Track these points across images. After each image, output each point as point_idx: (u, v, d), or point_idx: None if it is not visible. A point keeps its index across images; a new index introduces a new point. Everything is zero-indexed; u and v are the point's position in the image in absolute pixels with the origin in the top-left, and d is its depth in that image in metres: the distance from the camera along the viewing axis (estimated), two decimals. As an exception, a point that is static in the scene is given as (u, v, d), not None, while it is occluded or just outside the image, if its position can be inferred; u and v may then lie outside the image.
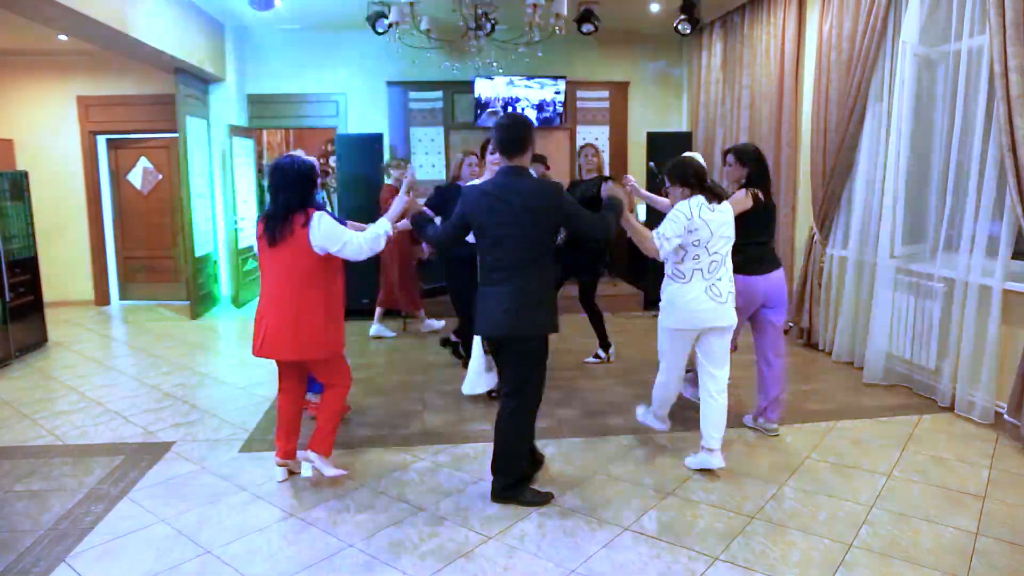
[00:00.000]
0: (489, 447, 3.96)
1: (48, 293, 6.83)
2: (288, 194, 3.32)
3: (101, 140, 8.49)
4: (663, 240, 3.46)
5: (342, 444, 4.04)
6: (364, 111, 8.65)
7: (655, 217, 4.57)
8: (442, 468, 3.74)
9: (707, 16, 7.68)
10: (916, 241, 5.02)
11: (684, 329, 3.60)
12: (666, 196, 4.00)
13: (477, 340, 4.56)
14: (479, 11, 5.28)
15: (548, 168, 8.16)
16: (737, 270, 3.71)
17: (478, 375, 4.62)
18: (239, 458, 3.89)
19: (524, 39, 5.56)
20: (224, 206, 8.26)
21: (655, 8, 7.44)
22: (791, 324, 6.29)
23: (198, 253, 7.70)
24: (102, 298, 8.56)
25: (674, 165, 3.63)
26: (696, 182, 3.56)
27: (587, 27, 7.29)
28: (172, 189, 8.46)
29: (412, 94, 8.64)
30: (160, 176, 8.59)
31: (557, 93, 8.53)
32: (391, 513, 3.25)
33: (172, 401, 4.89)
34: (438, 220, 3.93)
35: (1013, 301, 4.13)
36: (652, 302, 6.93)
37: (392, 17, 5.47)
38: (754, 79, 6.91)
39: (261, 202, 9.66)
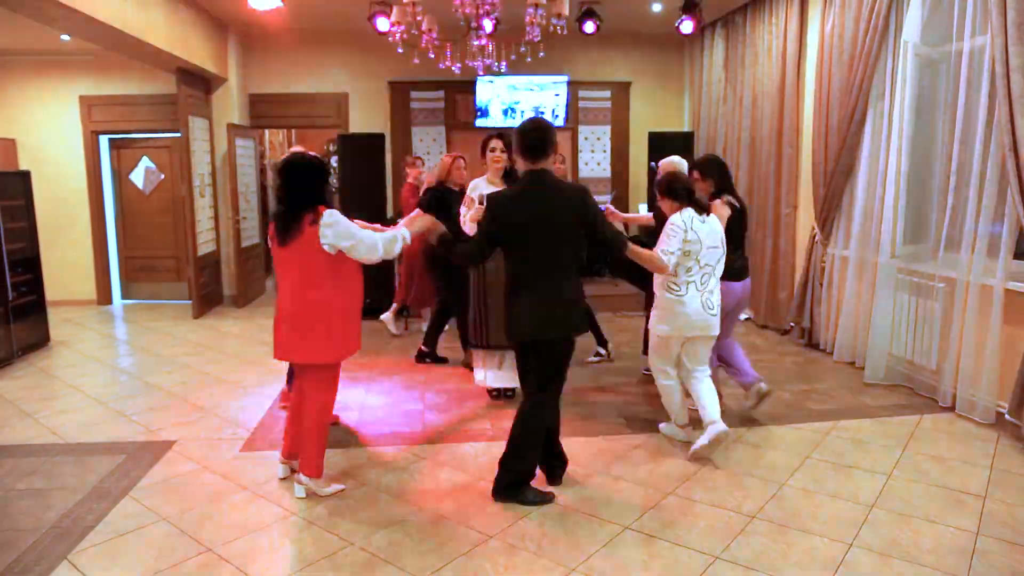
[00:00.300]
0: (490, 446, 3.98)
1: (50, 292, 6.85)
2: (299, 191, 3.25)
3: (103, 140, 8.51)
4: (668, 256, 3.63)
5: (343, 444, 4.05)
6: (366, 111, 8.66)
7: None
8: (443, 467, 3.74)
9: (709, 16, 7.67)
10: (917, 241, 5.02)
11: (674, 336, 3.78)
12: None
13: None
14: (480, 10, 5.28)
15: (564, 162, 8.18)
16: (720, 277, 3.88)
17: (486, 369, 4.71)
18: (240, 457, 3.90)
19: (526, 39, 5.56)
20: (226, 206, 8.26)
21: (657, 8, 7.44)
22: (792, 324, 6.29)
23: (200, 252, 7.71)
24: (104, 297, 8.58)
25: (665, 181, 3.82)
26: (685, 196, 3.74)
27: (589, 27, 7.29)
28: (174, 189, 8.48)
29: (414, 93, 8.65)
30: (162, 176, 8.60)
31: (557, 95, 8.53)
32: (391, 512, 3.25)
33: (174, 400, 4.90)
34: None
35: (1014, 301, 4.12)
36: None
37: (393, 17, 5.47)
38: (756, 79, 6.91)
39: (263, 202, 9.68)
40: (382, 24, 6.19)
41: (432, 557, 2.86)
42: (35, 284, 6.38)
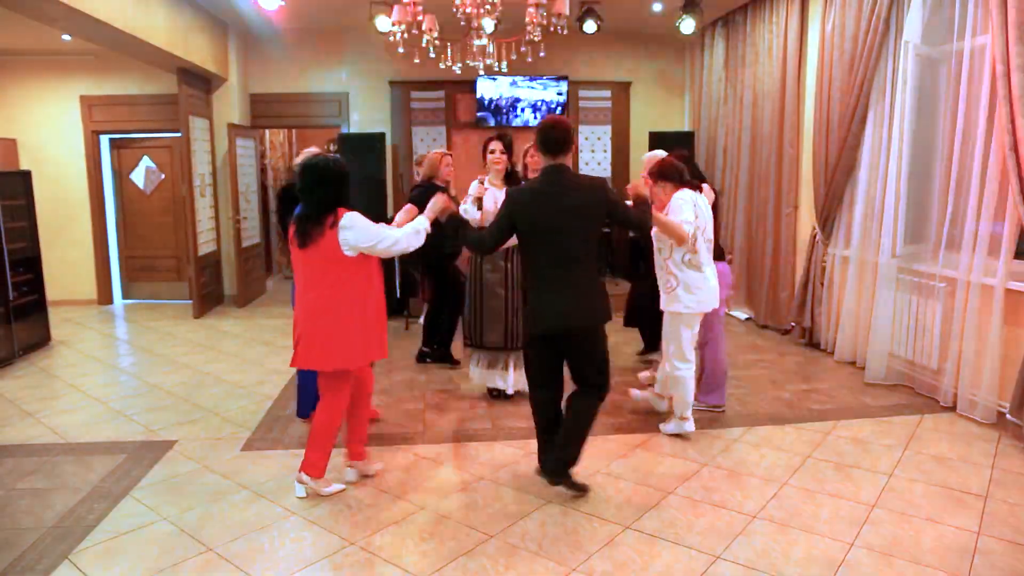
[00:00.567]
0: (490, 446, 3.98)
1: (51, 292, 6.84)
2: (321, 194, 3.20)
3: (104, 140, 8.51)
4: (687, 225, 3.74)
5: (344, 443, 4.04)
6: (366, 110, 8.66)
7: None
8: (444, 466, 3.74)
9: (709, 15, 7.67)
10: (918, 241, 5.02)
11: (698, 312, 3.94)
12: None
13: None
14: (481, 10, 5.28)
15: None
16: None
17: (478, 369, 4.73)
18: (241, 457, 3.90)
19: (526, 38, 5.55)
20: (226, 206, 8.25)
21: (657, 7, 7.44)
22: (793, 324, 6.28)
23: (200, 252, 7.71)
24: (105, 297, 8.58)
25: (658, 167, 3.96)
26: (678, 177, 3.93)
27: (589, 27, 7.30)
28: (175, 188, 8.48)
29: (414, 93, 8.65)
30: (163, 175, 8.61)
31: (560, 94, 8.54)
32: (392, 511, 3.25)
33: (174, 400, 4.90)
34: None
35: (1015, 301, 4.12)
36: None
37: (394, 16, 5.47)
38: (756, 78, 6.90)
39: (263, 202, 9.68)
40: (383, 24, 6.19)
41: (433, 557, 2.86)
42: (36, 284, 6.38)
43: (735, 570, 2.75)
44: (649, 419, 4.36)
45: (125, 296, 8.83)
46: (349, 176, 3.29)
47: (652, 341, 5.46)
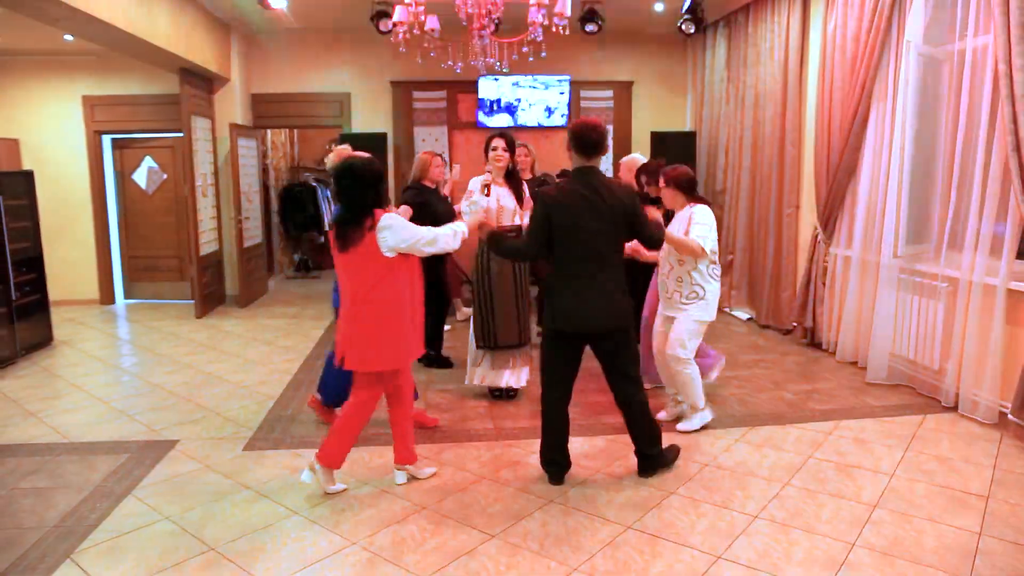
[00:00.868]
0: (492, 446, 3.99)
1: (53, 292, 6.85)
2: (358, 196, 3.20)
3: (106, 140, 8.52)
4: (705, 242, 3.88)
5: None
6: (368, 111, 8.66)
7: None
8: (445, 466, 3.75)
9: (711, 15, 7.67)
10: (920, 240, 5.01)
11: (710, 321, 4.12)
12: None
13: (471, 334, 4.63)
14: (482, 10, 5.28)
15: (529, 154, 8.17)
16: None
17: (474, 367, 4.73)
18: (243, 456, 3.91)
19: (528, 39, 5.56)
20: (228, 206, 8.26)
21: (659, 8, 7.44)
22: (794, 324, 6.28)
23: (202, 252, 7.72)
24: (107, 297, 8.59)
25: (678, 176, 4.05)
26: (692, 190, 4.07)
27: (591, 27, 7.30)
28: (177, 188, 8.49)
29: (416, 93, 8.65)
30: (165, 176, 8.62)
31: (562, 93, 8.54)
32: (394, 511, 3.26)
33: (176, 400, 4.90)
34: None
35: (1017, 301, 4.12)
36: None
37: (396, 17, 5.47)
38: (758, 79, 6.90)
39: (265, 202, 9.70)
40: (384, 24, 6.20)
41: (434, 556, 2.87)
42: (38, 284, 6.39)
43: (736, 570, 2.75)
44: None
45: (127, 296, 8.84)
46: (383, 176, 3.30)
47: None
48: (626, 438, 4.06)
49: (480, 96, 8.47)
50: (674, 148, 7.88)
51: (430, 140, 8.71)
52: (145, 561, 2.86)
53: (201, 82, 7.78)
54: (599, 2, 7.16)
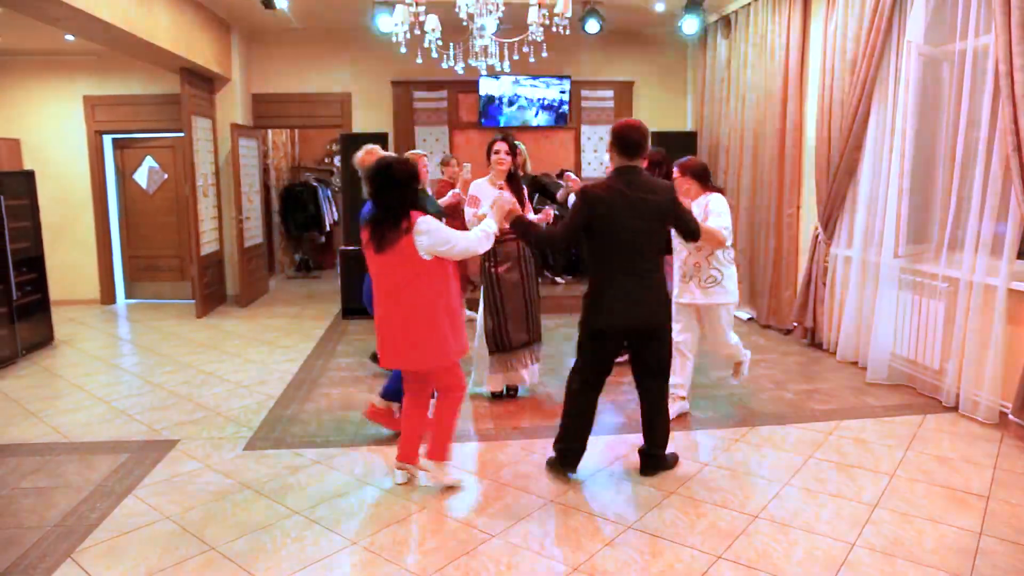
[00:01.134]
0: (492, 445, 3.98)
1: (54, 292, 6.86)
2: (394, 197, 3.18)
3: (107, 140, 8.53)
4: (728, 231, 4.03)
5: (348, 443, 4.05)
6: (369, 110, 8.67)
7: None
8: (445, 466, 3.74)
9: (712, 15, 7.67)
10: (920, 240, 5.01)
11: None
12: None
13: (480, 335, 4.60)
14: (483, 10, 5.28)
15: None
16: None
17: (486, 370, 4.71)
18: (243, 456, 3.91)
19: (529, 38, 5.56)
20: (229, 205, 8.27)
21: (660, 7, 7.43)
22: (795, 324, 6.28)
23: (203, 252, 7.73)
24: (108, 297, 8.60)
25: (696, 166, 4.24)
26: (708, 179, 4.26)
27: (591, 26, 7.30)
28: (177, 188, 8.50)
29: (416, 93, 8.66)
30: (166, 175, 8.62)
31: (562, 92, 8.54)
32: (394, 511, 3.26)
33: (177, 399, 4.91)
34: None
35: (1017, 301, 4.11)
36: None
37: (396, 16, 5.48)
38: (759, 79, 6.89)
39: (266, 202, 9.70)
40: (384, 24, 6.20)
41: (435, 557, 2.87)
42: (39, 283, 6.40)
43: (736, 570, 2.75)
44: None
45: (128, 296, 8.85)
46: (418, 177, 3.30)
47: None
48: (625, 437, 4.08)
49: (481, 96, 8.48)
50: (675, 148, 7.81)
51: (431, 140, 8.72)
52: (145, 561, 2.86)
53: (202, 82, 7.78)
54: (600, 2, 7.16)
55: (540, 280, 8.26)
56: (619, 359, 3.64)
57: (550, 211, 4.44)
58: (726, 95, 7.67)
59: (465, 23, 5.47)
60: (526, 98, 8.57)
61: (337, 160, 11.16)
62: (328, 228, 10.84)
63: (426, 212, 3.27)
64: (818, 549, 2.89)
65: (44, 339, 6.41)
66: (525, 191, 4.69)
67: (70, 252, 8.35)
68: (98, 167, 8.40)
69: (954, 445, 3.93)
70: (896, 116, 5.01)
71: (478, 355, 4.73)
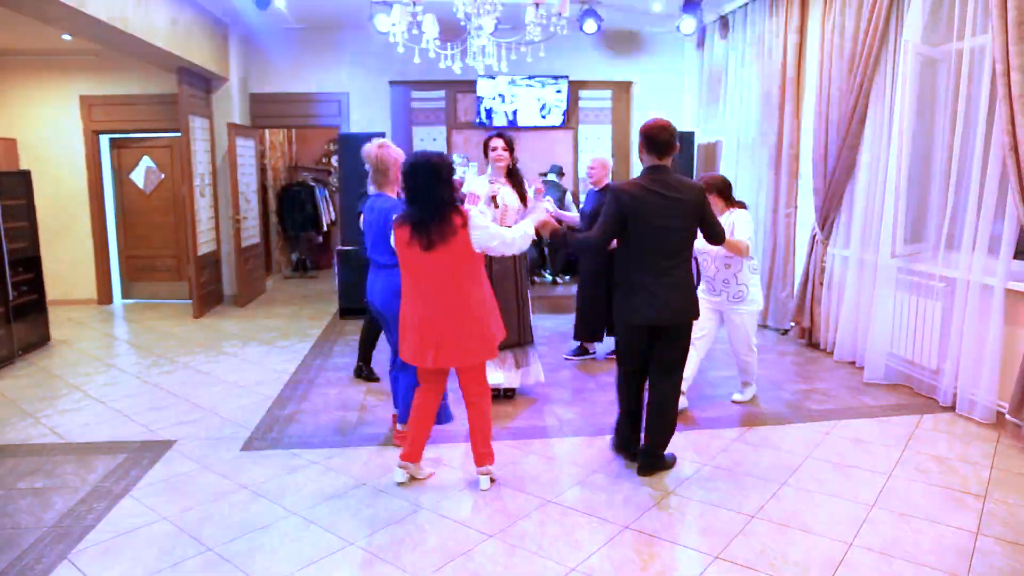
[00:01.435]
0: (496, 445, 3.98)
1: (51, 292, 6.84)
2: (441, 193, 3.16)
3: (104, 139, 8.50)
4: (751, 241, 4.22)
5: (345, 443, 4.05)
6: (366, 110, 8.66)
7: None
8: (443, 467, 3.74)
9: (709, 15, 7.67)
10: (918, 240, 5.02)
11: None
12: None
13: None
14: (481, 10, 5.28)
15: (563, 175, 8.25)
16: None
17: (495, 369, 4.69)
18: (241, 456, 3.90)
19: (526, 38, 5.56)
20: (226, 205, 8.26)
21: (657, 8, 7.44)
22: (792, 323, 6.28)
23: (200, 252, 7.71)
24: (105, 297, 8.58)
25: (720, 183, 4.34)
26: (730, 195, 4.41)
27: (589, 26, 7.30)
28: (175, 188, 8.48)
29: (414, 93, 8.66)
30: (163, 175, 8.61)
31: (558, 92, 8.54)
32: (392, 511, 3.25)
33: (174, 400, 4.90)
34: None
35: (1015, 301, 4.12)
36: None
37: (394, 16, 5.47)
38: (756, 78, 6.90)
39: (263, 202, 9.68)
40: (382, 23, 6.19)
41: (432, 557, 2.87)
42: (36, 283, 6.38)
43: (733, 570, 2.75)
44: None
45: (125, 296, 8.83)
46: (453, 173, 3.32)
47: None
48: (624, 438, 4.08)
49: (478, 96, 8.47)
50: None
51: (428, 140, 8.72)
52: (143, 562, 2.85)
53: (199, 82, 7.77)
54: (598, 2, 7.16)
55: (536, 279, 8.34)
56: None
57: (541, 187, 4.35)
58: (724, 95, 7.67)
59: (463, 23, 5.46)
60: (524, 98, 8.56)
61: (335, 160, 11.15)
62: (325, 228, 10.83)
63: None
64: (815, 549, 2.89)
65: (41, 339, 6.40)
66: (525, 184, 4.67)
67: (67, 252, 8.33)
68: (95, 167, 8.38)
69: (951, 445, 3.94)
70: (893, 116, 5.02)
71: None
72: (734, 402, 4.66)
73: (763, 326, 6.78)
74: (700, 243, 3.89)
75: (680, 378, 3.64)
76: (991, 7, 3.94)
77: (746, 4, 7.08)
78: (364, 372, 5.31)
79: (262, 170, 9.82)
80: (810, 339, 6.07)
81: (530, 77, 8.43)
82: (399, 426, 3.98)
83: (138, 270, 8.81)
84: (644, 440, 3.63)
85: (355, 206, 6.39)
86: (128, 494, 3.44)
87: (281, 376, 5.40)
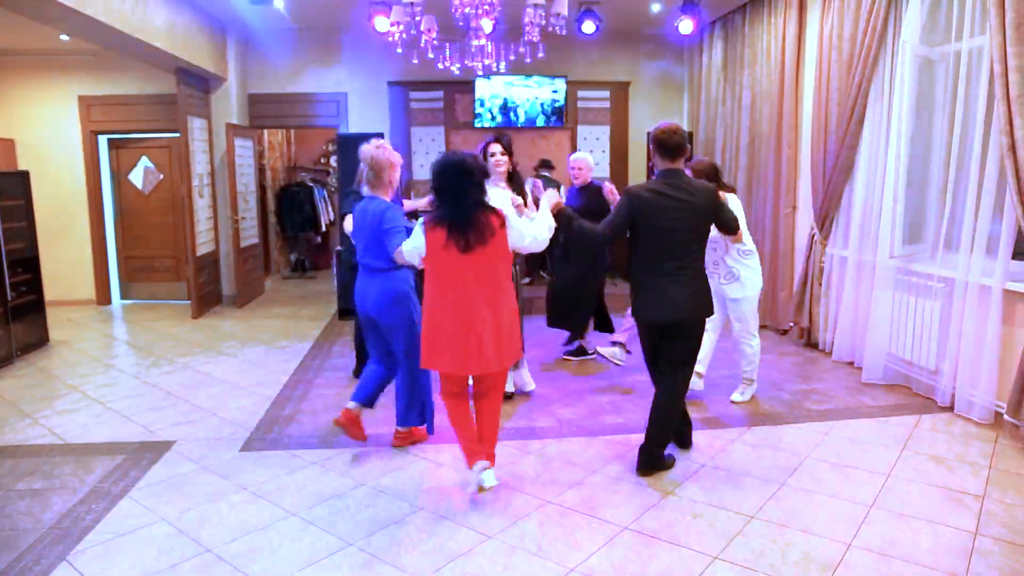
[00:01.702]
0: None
1: (50, 292, 6.84)
2: (475, 194, 3.13)
3: (102, 140, 8.50)
4: (741, 225, 4.16)
5: (344, 443, 4.05)
6: (365, 111, 8.66)
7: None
8: (442, 467, 3.75)
9: (708, 16, 7.68)
10: (916, 241, 5.03)
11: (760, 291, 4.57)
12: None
13: None
14: (479, 11, 5.28)
15: (553, 168, 8.22)
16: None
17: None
18: (240, 457, 3.90)
19: (525, 39, 5.56)
20: (225, 206, 8.25)
21: (656, 8, 7.44)
22: (791, 324, 6.29)
23: (199, 252, 7.71)
24: (103, 297, 8.57)
25: (710, 167, 4.35)
26: (720, 181, 4.39)
27: (588, 27, 7.29)
28: (173, 189, 8.48)
29: (413, 94, 8.66)
30: (161, 176, 8.60)
31: (555, 92, 8.54)
32: (391, 512, 3.25)
33: (173, 400, 4.90)
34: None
35: (1013, 301, 4.13)
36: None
37: (392, 17, 5.47)
38: (755, 79, 6.91)
39: (262, 202, 9.68)
40: (381, 24, 6.19)
41: (432, 557, 2.87)
42: (34, 284, 6.38)
43: (733, 570, 2.76)
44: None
45: (123, 296, 8.82)
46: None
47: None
48: (623, 438, 4.08)
49: (477, 96, 8.48)
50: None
51: (427, 140, 8.72)
52: (142, 563, 2.85)
53: (197, 82, 7.76)
54: (596, 2, 7.17)
55: (538, 277, 8.32)
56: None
57: (538, 180, 4.39)
58: (722, 95, 7.68)
59: (461, 23, 5.46)
60: (522, 98, 8.56)
61: (333, 160, 11.15)
62: (324, 228, 10.83)
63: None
64: (814, 549, 2.89)
65: (39, 340, 6.39)
66: (526, 187, 4.67)
67: (65, 252, 8.33)
68: (93, 167, 8.38)
69: (950, 445, 3.94)
70: (892, 116, 5.02)
71: None
72: (733, 402, 4.65)
73: (763, 326, 6.78)
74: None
75: (689, 375, 3.70)
76: (989, 8, 3.94)
77: (745, 5, 7.09)
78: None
79: (261, 170, 9.82)
80: (809, 339, 6.08)
81: (528, 77, 8.43)
82: (353, 405, 3.91)
83: (137, 270, 8.81)
84: (645, 437, 3.64)
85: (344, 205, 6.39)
86: (127, 495, 3.43)
87: (280, 377, 5.40)
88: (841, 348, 5.57)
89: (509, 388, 4.69)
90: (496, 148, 4.51)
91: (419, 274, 3.54)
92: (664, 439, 3.65)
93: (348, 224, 4.09)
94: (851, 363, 5.49)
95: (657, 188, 3.47)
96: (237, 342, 6.54)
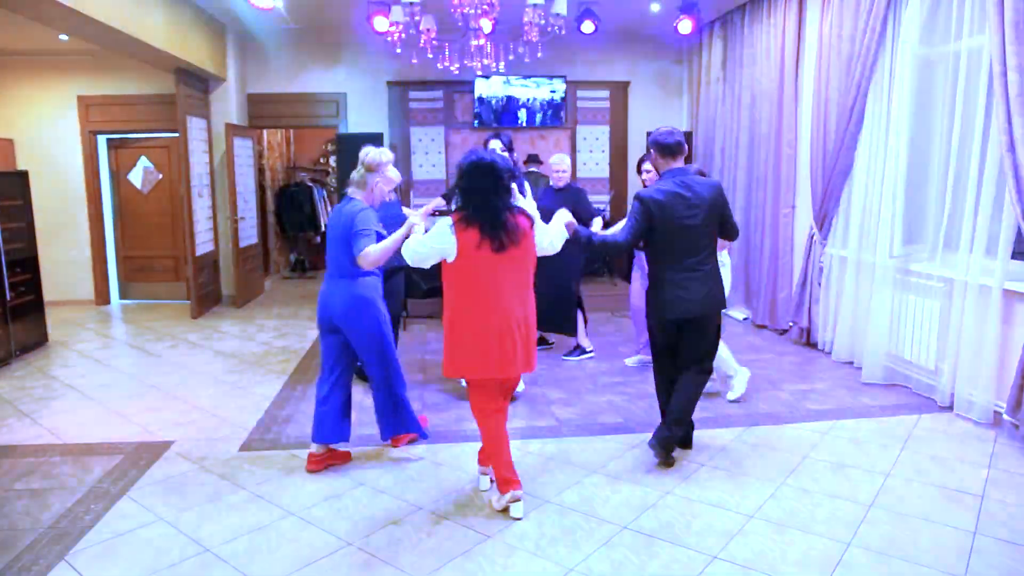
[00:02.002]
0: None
1: (48, 292, 6.83)
2: (506, 196, 3.10)
3: (101, 140, 8.49)
4: None
5: (343, 444, 4.04)
6: (364, 111, 8.66)
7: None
8: (442, 467, 3.74)
9: (707, 16, 7.68)
10: (915, 241, 5.03)
11: None
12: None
13: None
14: (479, 10, 5.28)
15: (542, 163, 8.22)
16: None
17: None
18: (238, 457, 3.90)
19: (524, 39, 5.56)
20: (224, 206, 8.25)
21: (655, 8, 7.44)
22: (790, 323, 6.29)
23: (198, 252, 7.70)
24: (102, 297, 8.57)
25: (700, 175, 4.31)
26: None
27: (587, 27, 7.30)
28: (172, 189, 8.47)
29: (412, 94, 8.65)
30: (160, 176, 8.59)
31: (553, 92, 8.54)
32: (390, 511, 3.25)
33: (171, 400, 4.89)
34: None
35: (1012, 301, 4.13)
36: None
37: (392, 16, 5.47)
38: (754, 79, 6.91)
39: (261, 202, 9.67)
40: (380, 24, 6.19)
41: (431, 557, 2.86)
42: (33, 284, 6.37)
43: (732, 570, 2.76)
44: (646, 420, 4.35)
45: (123, 296, 8.81)
46: None
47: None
48: (622, 438, 4.08)
49: (476, 96, 8.48)
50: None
51: (426, 140, 8.72)
52: (140, 563, 2.85)
53: (197, 82, 7.76)
54: (596, 2, 7.17)
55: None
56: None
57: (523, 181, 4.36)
58: (722, 95, 7.68)
59: (460, 23, 5.47)
60: (521, 98, 8.56)
61: (333, 160, 11.15)
62: (323, 228, 10.82)
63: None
64: (814, 549, 2.89)
65: (38, 340, 6.39)
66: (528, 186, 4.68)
67: (64, 253, 8.32)
68: (92, 167, 8.37)
69: (949, 445, 3.94)
70: (891, 116, 5.02)
71: None
72: (730, 401, 4.65)
73: (762, 326, 6.79)
74: None
75: (710, 369, 3.80)
76: (988, 7, 3.95)
77: (744, 5, 7.09)
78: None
79: (260, 170, 9.81)
80: (808, 339, 6.08)
81: (527, 77, 8.43)
82: (316, 448, 3.70)
83: (136, 270, 8.80)
84: (664, 415, 3.76)
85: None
86: (126, 495, 3.43)
87: (279, 377, 5.39)
88: (840, 348, 5.57)
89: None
90: (496, 144, 4.51)
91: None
92: (683, 420, 3.70)
93: None
94: (850, 363, 5.49)
95: (669, 188, 3.54)
96: (236, 342, 6.54)
